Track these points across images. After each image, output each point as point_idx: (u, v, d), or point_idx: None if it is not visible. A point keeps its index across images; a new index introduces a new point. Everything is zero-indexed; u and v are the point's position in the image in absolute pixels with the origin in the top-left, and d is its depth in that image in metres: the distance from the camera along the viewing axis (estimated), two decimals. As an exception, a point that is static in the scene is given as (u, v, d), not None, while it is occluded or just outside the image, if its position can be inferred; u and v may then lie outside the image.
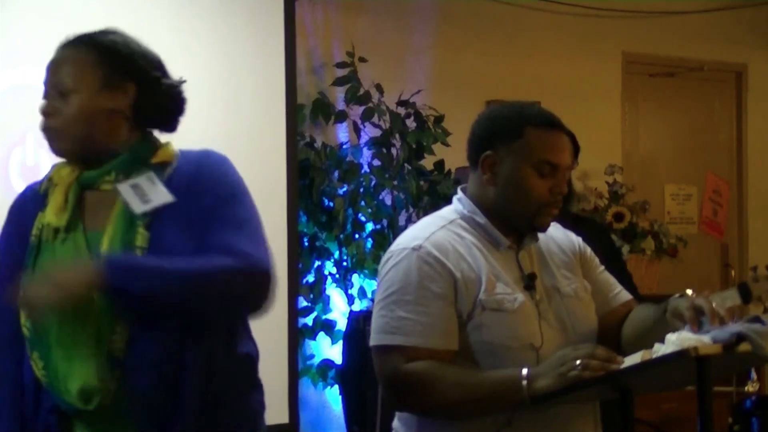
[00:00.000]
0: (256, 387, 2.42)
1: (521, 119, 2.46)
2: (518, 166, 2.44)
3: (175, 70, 4.23)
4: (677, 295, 2.48)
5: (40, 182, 2.40)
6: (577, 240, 2.66)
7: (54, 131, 2.30)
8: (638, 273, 5.79)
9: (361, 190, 5.31)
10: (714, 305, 2.35)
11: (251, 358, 2.40)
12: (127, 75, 2.31)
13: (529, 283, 2.47)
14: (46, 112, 2.30)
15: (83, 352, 2.20)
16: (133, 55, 2.35)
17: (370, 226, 5.34)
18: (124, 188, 2.28)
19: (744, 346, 2.22)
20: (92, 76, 2.29)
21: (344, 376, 5.21)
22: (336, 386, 5.32)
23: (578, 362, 2.24)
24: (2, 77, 3.70)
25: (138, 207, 2.25)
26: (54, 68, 2.33)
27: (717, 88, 7.00)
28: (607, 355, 2.27)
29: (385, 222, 5.33)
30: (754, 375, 4.24)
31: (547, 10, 6.19)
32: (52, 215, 2.30)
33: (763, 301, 3.49)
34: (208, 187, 2.30)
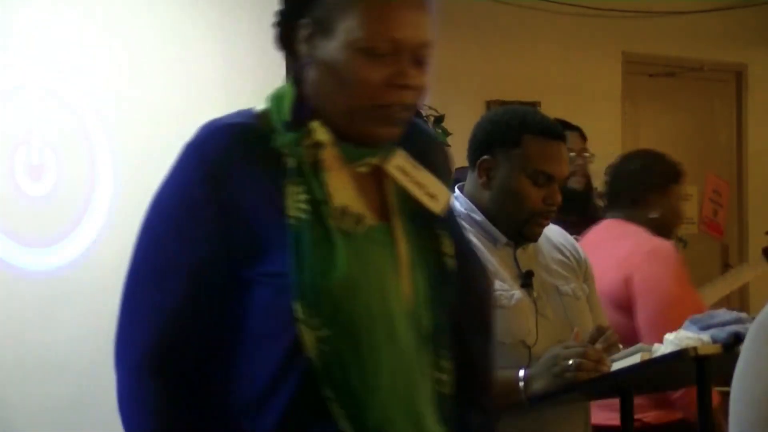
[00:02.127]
0: None
1: (521, 127, 2.46)
2: (514, 174, 2.45)
3: (176, 70, 4.27)
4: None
5: (242, 130, 1.65)
6: (583, 253, 2.67)
7: (413, 110, 1.71)
8: (638, 273, 5.79)
9: (362, 189, 5.31)
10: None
11: None
12: None
13: (526, 280, 2.48)
14: (420, 87, 1.68)
15: (422, 399, 1.62)
16: None
17: (370, 226, 5.34)
18: (396, 173, 1.70)
19: (741, 347, 2.23)
20: None
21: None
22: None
23: (571, 362, 2.26)
24: (7, 76, 3.71)
25: (432, 203, 1.70)
26: (421, 25, 1.72)
27: (717, 88, 7.00)
28: (598, 356, 2.28)
29: (385, 221, 5.33)
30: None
31: (547, 10, 6.19)
32: (350, 196, 1.64)
33: None
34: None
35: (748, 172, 6.99)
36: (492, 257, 2.47)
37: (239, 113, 1.71)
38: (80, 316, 3.83)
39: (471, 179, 2.54)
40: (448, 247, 1.70)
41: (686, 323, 2.38)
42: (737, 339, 2.23)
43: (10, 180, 3.66)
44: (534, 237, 2.51)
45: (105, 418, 3.74)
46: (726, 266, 6.71)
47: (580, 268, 2.62)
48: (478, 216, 2.50)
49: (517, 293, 2.44)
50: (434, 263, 1.69)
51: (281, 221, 1.58)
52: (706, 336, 2.26)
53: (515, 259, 2.50)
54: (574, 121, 4.37)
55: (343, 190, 1.63)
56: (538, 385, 2.30)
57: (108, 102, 3.87)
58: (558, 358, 2.29)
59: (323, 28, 1.63)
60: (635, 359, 2.29)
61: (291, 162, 1.62)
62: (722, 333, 2.25)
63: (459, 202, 2.55)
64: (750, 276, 3.64)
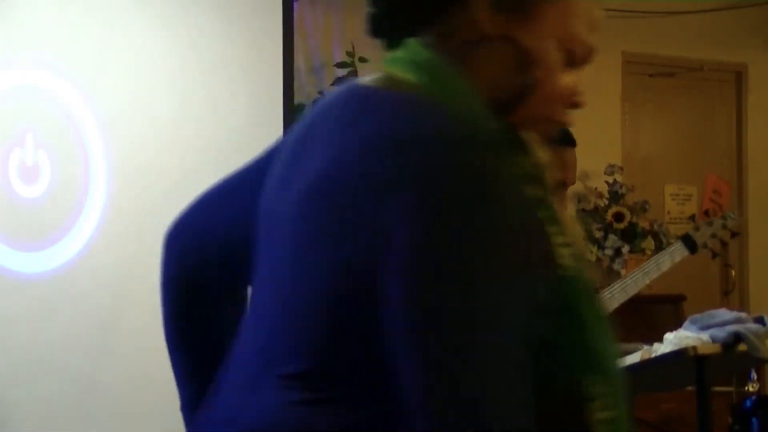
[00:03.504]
0: None
1: None
2: None
3: (172, 70, 4.25)
4: None
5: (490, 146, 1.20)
6: None
7: None
8: (638, 273, 5.78)
9: (361, 190, 5.30)
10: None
11: None
12: None
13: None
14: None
15: None
16: None
17: (369, 227, 5.33)
18: None
19: (741, 347, 2.23)
20: None
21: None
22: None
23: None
24: (2, 77, 3.70)
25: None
26: None
27: (717, 88, 6.99)
28: None
29: (384, 222, 5.32)
30: (754, 375, 4.23)
31: (546, 11, 6.18)
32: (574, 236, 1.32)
33: (710, 247, 3.55)
34: None
35: (748, 172, 6.98)
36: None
37: (439, 111, 1.22)
38: (75, 319, 3.82)
39: None
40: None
41: (686, 323, 2.37)
42: (737, 338, 2.22)
43: (4, 182, 3.64)
44: None
45: (99, 418, 3.72)
46: (726, 266, 6.70)
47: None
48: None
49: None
50: None
51: (554, 272, 1.22)
52: (705, 335, 2.25)
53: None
54: (574, 121, 4.35)
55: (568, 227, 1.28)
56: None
57: (103, 104, 3.86)
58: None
59: (515, 2, 1.26)
60: (635, 358, 2.29)
61: (537, 192, 1.25)
62: (722, 332, 2.24)
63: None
64: (669, 264, 3.59)
